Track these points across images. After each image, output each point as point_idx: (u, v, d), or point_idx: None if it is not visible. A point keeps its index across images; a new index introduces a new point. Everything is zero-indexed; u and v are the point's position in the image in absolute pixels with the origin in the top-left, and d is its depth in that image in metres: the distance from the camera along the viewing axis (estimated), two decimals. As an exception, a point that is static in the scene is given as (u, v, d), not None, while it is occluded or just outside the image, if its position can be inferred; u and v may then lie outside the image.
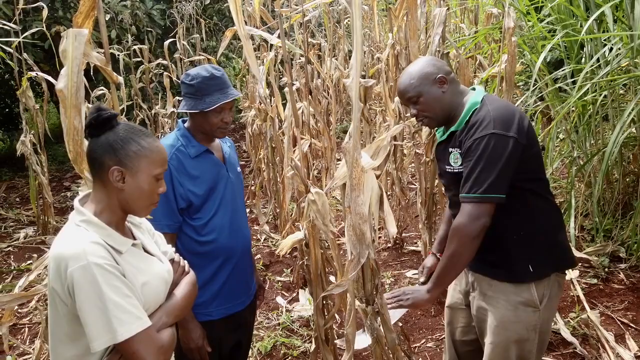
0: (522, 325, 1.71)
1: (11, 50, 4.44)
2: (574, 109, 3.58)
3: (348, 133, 1.41)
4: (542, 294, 1.71)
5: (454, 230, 1.66)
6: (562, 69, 3.75)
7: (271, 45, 3.52)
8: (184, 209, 1.84)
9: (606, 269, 3.33)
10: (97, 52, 1.62)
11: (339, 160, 6.38)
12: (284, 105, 3.51)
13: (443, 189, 2.10)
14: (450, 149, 1.74)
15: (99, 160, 1.25)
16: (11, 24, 4.22)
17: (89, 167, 1.31)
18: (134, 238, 1.36)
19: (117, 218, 1.29)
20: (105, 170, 1.24)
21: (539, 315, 1.71)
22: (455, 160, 1.72)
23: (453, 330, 2.02)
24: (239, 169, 2.09)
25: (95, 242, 1.19)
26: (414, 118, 1.81)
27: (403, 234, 4.32)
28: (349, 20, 7.26)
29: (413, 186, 5.41)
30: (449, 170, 1.76)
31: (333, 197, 4.93)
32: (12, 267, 4.42)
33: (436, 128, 1.90)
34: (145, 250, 1.37)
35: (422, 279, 2.00)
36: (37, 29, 4.54)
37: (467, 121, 1.69)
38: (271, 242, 4.62)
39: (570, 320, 2.90)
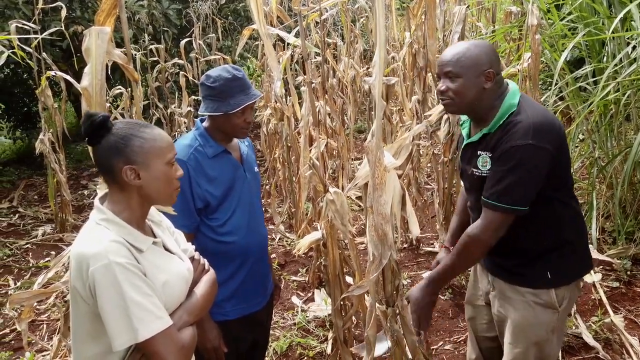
0: (542, 326, 1.68)
1: (30, 50, 4.50)
2: (595, 108, 3.51)
3: (370, 132, 1.38)
4: (563, 296, 1.69)
5: (472, 238, 1.62)
6: (583, 67, 3.68)
7: (287, 44, 3.51)
8: (201, 209, 1.84)
9: (628, 272, 3.26)
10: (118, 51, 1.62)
11: (354, 159, 6.35)
12: (300, 104, 3.50)
13: (463, 189, 2.05)
14: (479, 152, 1.67)
15: (108, 165, 1.24)
16: (30, 24, 4.27)
17: (101, 174, 1.30)
18: (155, 236, 1.35)
19: (137, 216, 1.29)
20: (118, 173, 1.23)
21: (558, 317, 1.69)
22: (483, 163, 1.65)
23: (475, 326, 2.00)
24: (256, 168, 2.07)
25: (116, 241, 1.19)
26: (440, 93, 1.68)
27: (419, 235, 4.27)
28: (364, 20, 7.23)
29: (429, 186, 5.36)
30: (477, 174, 1.68)
31: (348, 197, 4.91)
32: (31, 264, 4.47)
33: (463, 128, 1.84)
34: (166, 249, 1.37)
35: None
36: (56, 28, 4.58)
37: (501, 124, 1.61)
38: (286, 241, 4.61)
39: (592, 324, 2.84)
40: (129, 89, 4.71)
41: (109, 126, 1.25)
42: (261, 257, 2.01)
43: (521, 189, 1.55)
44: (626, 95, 3.33)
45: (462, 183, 2.03)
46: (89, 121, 1.23)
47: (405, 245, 4.24)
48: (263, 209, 4.84)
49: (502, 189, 1.55)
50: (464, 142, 1.79)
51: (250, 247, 1.93)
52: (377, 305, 1.62)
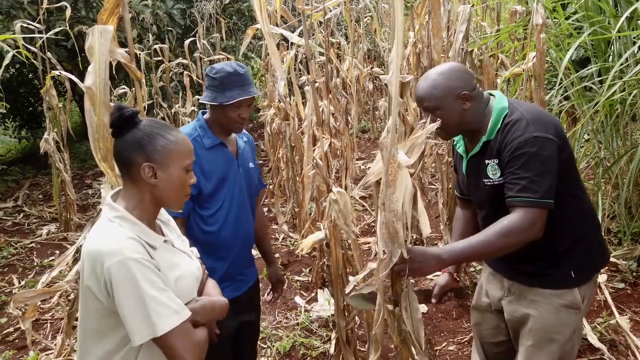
0: (565, 327, 1.67)
1: (35, 50, 4.51)
2: (600, 108, 3.49)
3: (386, 128, 1.37)
4: (584, 295, 1.67)
5: (510, 227, 1.49)
6: (589, 67, 3.65)
7: (291, 44, 3.51)
8: (194, 196, 1.87)
9: (634, 273, 3.24)
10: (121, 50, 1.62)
11: (358, 159, 6.33)
12: (303, 104, 3.50)
13: (459, 213, 2.01)
14: (486, 161, 1.65)
15: (128, 158, 1.25)
16: (35, 24, 4.29)
17: (117, 167, 1.31)
18: (164, 235, 1.36)
19: (149, 215, 1.30)
20: (136, 168, 1.24)
21: (580, 316, 1.68)
22: (493, 172, 1.63)
23: (481, 332, 1.98)
24: (251, 164, 2.10)
25: (131, 238, 1.19)
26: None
27: (423, 235, 4.26)
28: (368, 19, 7.24)
29: (433, 186, 5.34)
30: (489, 183, 1.65)
31: (351, 197, 4.89)
32: (35, 263, 4.49)
33: (458, 147, 1.82)
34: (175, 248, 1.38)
35: (433, 300, 1.86)
36: (61, 28, 4.60)
37: (499, 128, 1.61)
38: (290, 241, 4.61)
39: (598, 326, 2.82)
40: (133, 88, 4.72)
41: (137, 121, 1.26)
42: (243, 251, 2.05)
43: (545, 180, 1.50)
44: (632, 95, 3.30)
45: (459, 206, 2.01)
46: (118, 113, 1.25)
47: (409, 245, 4.22)
48: (266, 208, 4.83)
49: (526, 185, 1.50)
50: (467, 157, 1.76)
51: (233, 242, 1.98)
52: (385, 304, 1.60)
